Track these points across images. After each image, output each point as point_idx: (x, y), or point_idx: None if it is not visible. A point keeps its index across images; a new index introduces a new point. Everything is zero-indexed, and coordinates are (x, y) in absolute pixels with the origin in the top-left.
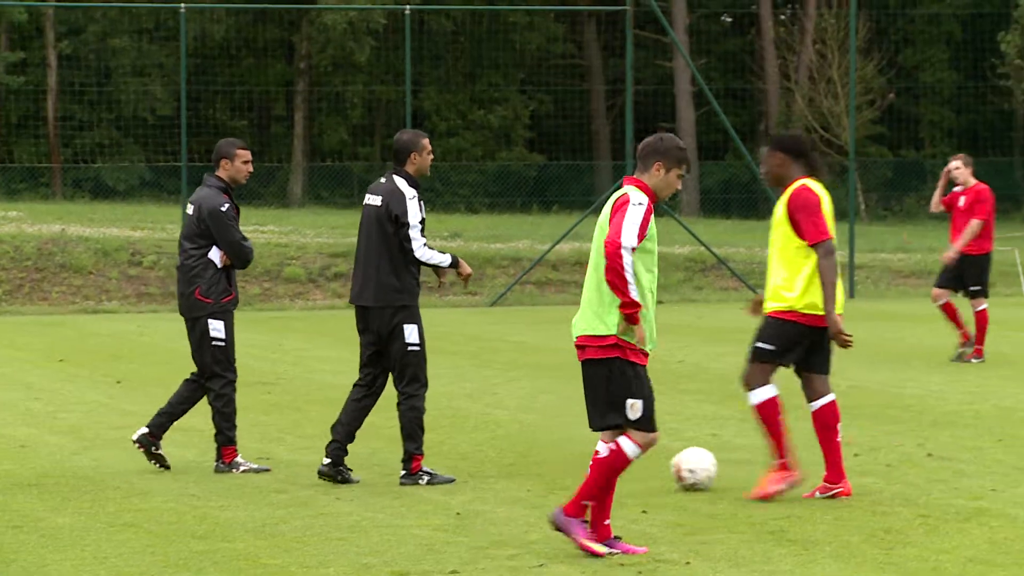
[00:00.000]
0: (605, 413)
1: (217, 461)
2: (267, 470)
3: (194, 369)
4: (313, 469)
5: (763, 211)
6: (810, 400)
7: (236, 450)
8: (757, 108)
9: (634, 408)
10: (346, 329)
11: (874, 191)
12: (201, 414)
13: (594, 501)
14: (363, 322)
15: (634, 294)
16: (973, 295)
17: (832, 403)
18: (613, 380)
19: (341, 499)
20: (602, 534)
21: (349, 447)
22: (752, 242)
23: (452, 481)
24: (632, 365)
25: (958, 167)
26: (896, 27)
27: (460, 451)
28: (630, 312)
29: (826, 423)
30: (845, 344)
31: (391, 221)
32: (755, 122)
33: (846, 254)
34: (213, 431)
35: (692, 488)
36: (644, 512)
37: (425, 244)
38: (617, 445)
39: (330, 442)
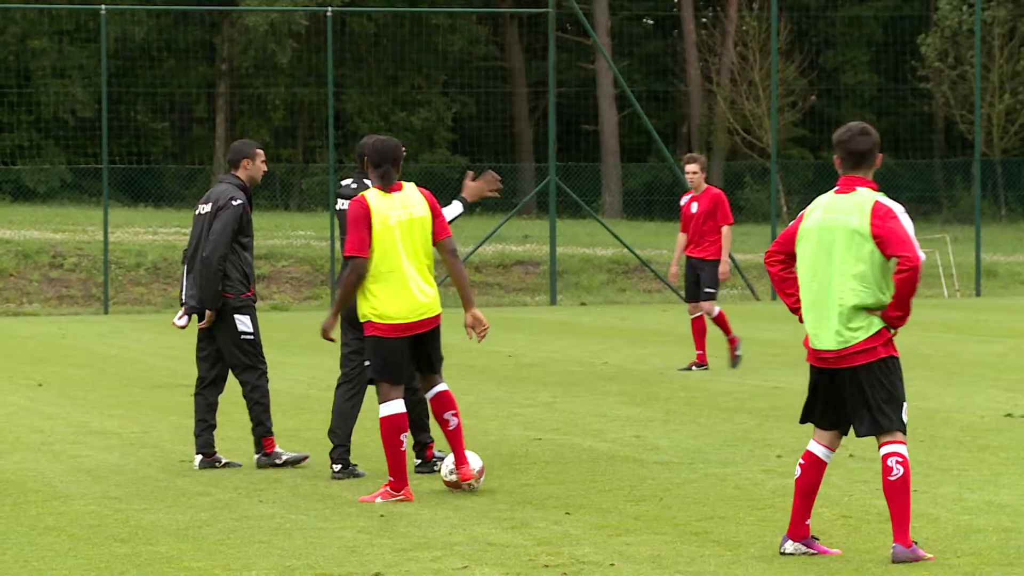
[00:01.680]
0: (888, 415)
1: (258, 454)
2: (306, 456)
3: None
4: (236, 471)
5: None
6: (425, 390)
7: (274, 440)
8: (679, 110)
9: (904, 409)
10: (267, 331)
11: (796, 193)
12: (118, 417)
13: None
14: (349, 318)
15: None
16: (707, 297)
17: (447, 392)
18: (888, 378)
19: (264, 502)
20: (801, 533)
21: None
22: (675, 244)
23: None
24: (896, 361)
25: (696, 172)
26: (817, 29)
27: (384, 454)
28: (901, 324)
29: (439, 409)
30: (327, 338)
31: None
32: (677, 124)
33: None
34: (192, 430)
35: (455, 486)
36: (568, 514)
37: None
38: (902, 456)
39: (334, 448)
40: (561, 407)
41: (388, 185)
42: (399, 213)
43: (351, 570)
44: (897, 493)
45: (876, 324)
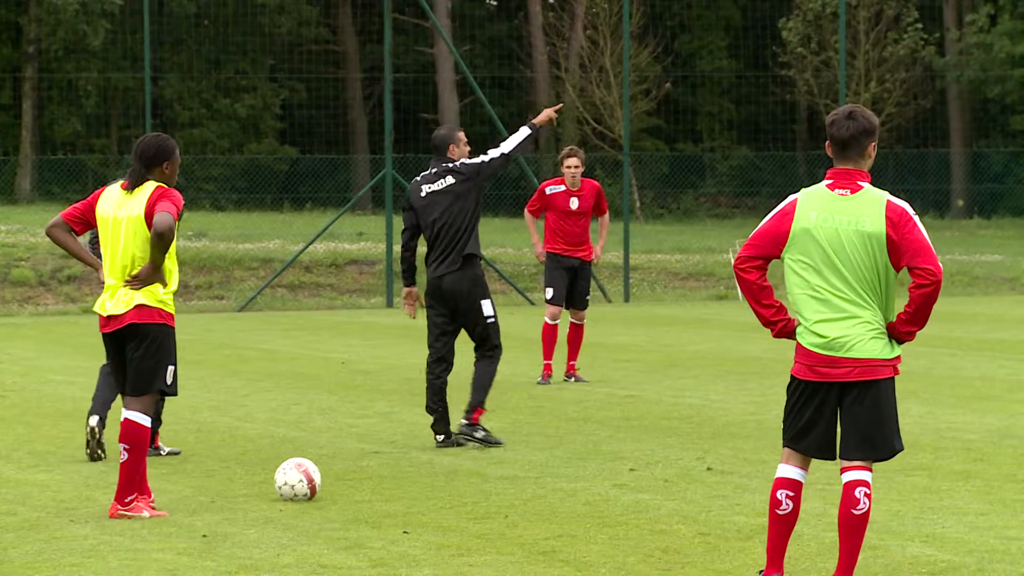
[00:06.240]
0: (895, 435)
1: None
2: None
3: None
4: (45, 489)
5: None
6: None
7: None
8: (525, 98)
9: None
10: (80, 336)
11: (650, 188)
12: None
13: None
14: (440, 298)
15: None
16: (584, 306)
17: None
18: (893, 398)
19: (76, 521)
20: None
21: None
22: (522, 242)
23: (501, 444)
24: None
25: (579, 166)
26: (672, 12)
27: (206, 468)
28: (911, 339)
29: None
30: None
31: (475, 186)
32: (523, 112)
33: (620, 255)
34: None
35: (293, 496)
36: (406, 533)
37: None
38: (870, 488)
39: (435, 421)
40: (399, 418)
41: (132, 183)
42: (118, 211)
43: None
44: (856, 528)
45: (894, 344)
